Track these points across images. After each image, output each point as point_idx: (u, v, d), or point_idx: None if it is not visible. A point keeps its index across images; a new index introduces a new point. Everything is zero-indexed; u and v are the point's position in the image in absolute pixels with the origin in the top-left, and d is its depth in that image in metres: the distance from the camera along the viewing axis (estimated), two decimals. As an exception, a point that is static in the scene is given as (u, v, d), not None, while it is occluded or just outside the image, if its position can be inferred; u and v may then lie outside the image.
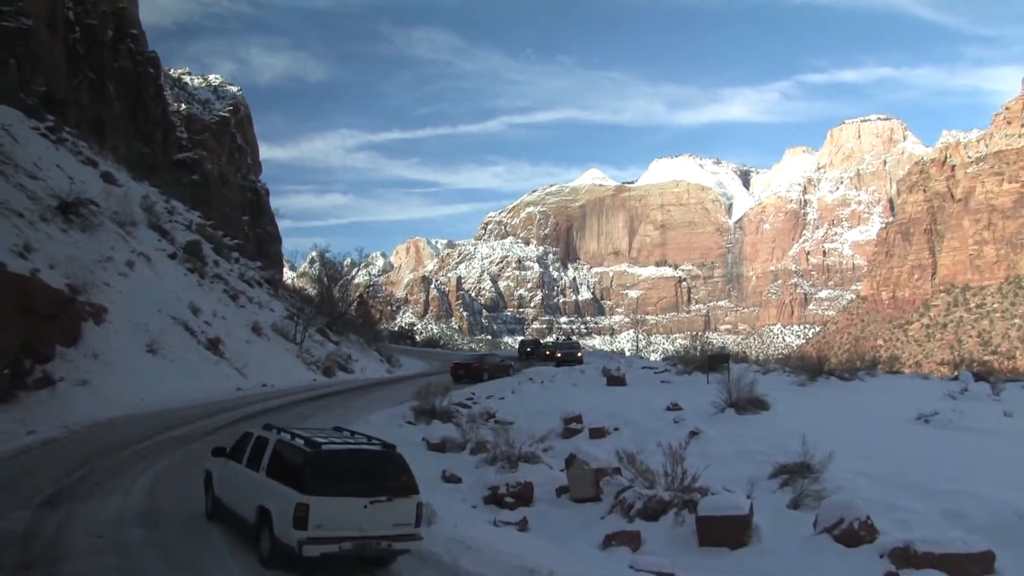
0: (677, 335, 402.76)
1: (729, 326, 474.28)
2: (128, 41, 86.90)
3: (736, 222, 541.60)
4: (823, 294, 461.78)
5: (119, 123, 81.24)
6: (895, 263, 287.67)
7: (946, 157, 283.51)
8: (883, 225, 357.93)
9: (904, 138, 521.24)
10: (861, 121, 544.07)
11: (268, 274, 74.29)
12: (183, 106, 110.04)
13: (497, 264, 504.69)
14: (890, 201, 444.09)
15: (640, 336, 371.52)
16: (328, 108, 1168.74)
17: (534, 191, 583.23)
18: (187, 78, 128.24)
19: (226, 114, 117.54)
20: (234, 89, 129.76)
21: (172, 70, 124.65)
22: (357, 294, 79.85)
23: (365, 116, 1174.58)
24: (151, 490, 17.17)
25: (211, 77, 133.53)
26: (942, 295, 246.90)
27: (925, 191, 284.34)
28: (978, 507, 13.66)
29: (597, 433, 22.79)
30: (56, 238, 36.57)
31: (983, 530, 12.49)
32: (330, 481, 12.12)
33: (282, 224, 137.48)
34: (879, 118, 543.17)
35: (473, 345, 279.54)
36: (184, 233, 58.23)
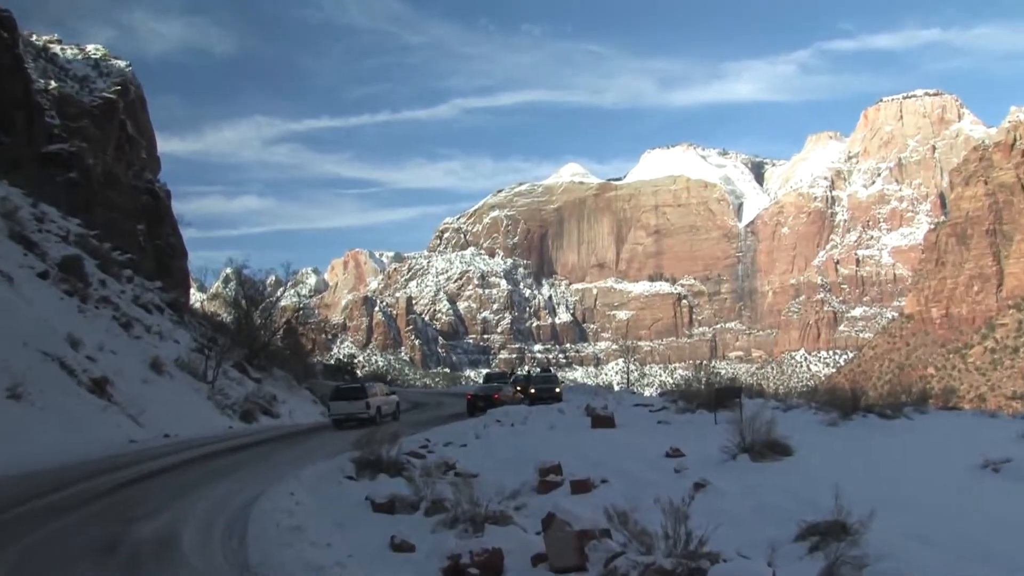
0: (677, 365, 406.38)
1: (740, 353, 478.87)
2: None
3: (748, 226, 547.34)
4: (857, 312, 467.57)
5: (-37, 104, 79.69)
6: (948, 273, 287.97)
7: (1015, 139, 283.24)
8: (932, 226, 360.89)
9: (959, 118, 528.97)
10: (903, 98, 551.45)
11: (171, 296, 73.97)
12: (52, 83, 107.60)
13: (456, 281, 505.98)
14: (940, 196, 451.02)
15: (631, 366, 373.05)
16: (239, 89, 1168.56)
17: (499, 191, 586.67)
18: (56, 48, 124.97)
19: (112, 95, 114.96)
20: (121, 64, 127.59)
21: (34, 36, 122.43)
22: (284, 320, 79.62)
23: (286, 99, 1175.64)
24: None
25: (89, 48, 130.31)
26: (1011, 312, 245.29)
27: (987, 183, 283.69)
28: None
29: (580, 487, 22.75)
30: None
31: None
32: (336, 397, 49.91)
33: (187, 234, 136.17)
34: (926, 94, 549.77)
35: (427, 380, 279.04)
36: (59, 246, 57.75)
